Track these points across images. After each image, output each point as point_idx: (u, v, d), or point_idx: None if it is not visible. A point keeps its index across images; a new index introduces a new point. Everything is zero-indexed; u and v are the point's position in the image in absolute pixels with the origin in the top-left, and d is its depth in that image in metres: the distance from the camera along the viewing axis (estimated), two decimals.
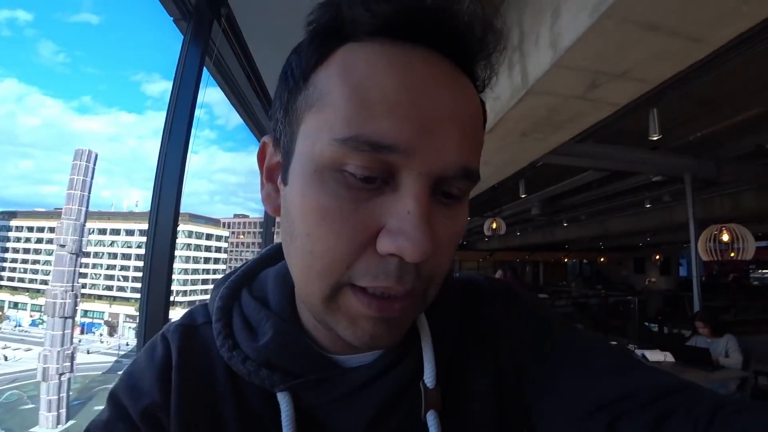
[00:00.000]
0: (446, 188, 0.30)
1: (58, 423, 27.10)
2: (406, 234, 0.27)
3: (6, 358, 45.01)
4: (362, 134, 0.26)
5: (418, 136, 0.27)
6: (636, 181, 6.02)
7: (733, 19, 1.34)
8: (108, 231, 67.29)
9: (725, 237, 4.15)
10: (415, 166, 0.27)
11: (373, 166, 0.27)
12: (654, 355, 3.52)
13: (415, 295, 0.30)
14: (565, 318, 0.44)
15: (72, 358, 27.88)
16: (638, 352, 3.58)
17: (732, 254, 4.92)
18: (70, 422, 27.31)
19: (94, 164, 36.65)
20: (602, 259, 18.87)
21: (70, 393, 28.93)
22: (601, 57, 1.77)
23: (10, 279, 72.41)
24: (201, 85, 1.57)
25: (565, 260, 20.45)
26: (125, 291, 64.43)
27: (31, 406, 30.15)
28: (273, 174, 0.36)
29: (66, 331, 27.74)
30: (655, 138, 3.41)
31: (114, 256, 67.04)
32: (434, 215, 0.29)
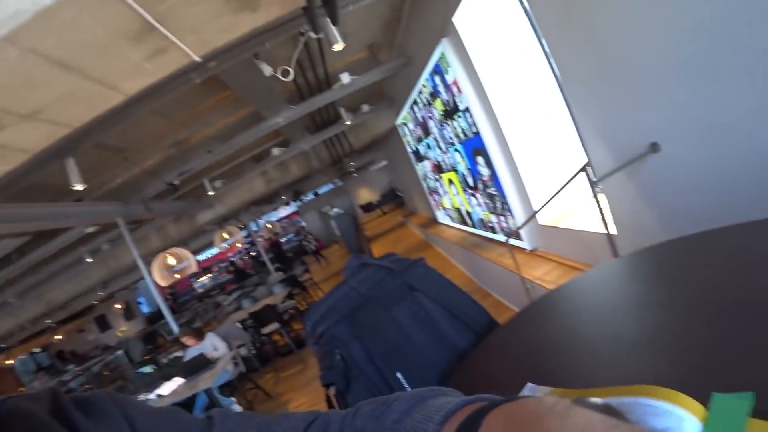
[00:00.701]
0: None
1: None
2: None
3: None
4: None
5: None
6: (68, 238, 5.54)
7: (139, 74, 1.58)
8: None
9: (172, 261, 4.86)
10: None
11: None
12: (167, 387, 3.60)
13: None
14: (143, 403, 0.40)
15: None
16: (151, 395, 3.52)
17: (178, 275, 5.91)
18: None
19: None
20: (58, 337, 15.94)
21: None
22: (6, 91, 1.48)
23: None
24: None
25: (9, 362, 15.33)
26: None
27: None
28: None
29: None
30: (79, 188, 3.26)
31: None
32: None
